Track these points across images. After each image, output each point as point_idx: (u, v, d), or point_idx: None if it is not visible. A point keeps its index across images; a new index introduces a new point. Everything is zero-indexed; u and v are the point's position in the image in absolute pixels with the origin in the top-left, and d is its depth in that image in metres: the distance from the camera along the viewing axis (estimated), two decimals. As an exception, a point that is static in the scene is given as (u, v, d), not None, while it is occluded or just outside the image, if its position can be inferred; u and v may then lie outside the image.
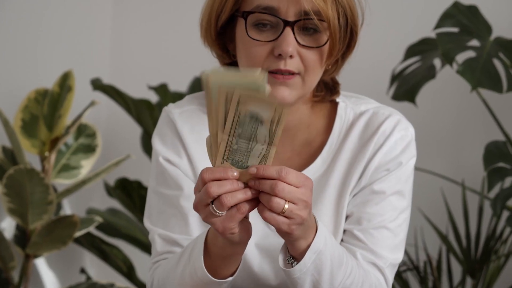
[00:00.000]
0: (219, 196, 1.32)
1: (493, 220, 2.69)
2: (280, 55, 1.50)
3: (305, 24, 1.51)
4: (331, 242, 1.45)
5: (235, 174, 1.33)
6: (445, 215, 2.87)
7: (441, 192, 2.90)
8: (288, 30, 1.50)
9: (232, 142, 1.32)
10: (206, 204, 1.34)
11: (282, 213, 1.33)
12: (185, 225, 1.60)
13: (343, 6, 1.53)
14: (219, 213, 1.34)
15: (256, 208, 1.35)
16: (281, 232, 1.37)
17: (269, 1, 1.51)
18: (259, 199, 1.34)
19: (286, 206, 1.33)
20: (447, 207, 2.75)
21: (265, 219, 1.34)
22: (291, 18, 1.50)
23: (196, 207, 1.35)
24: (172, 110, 1.65)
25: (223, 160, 1.33)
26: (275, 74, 1.52)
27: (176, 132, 1.63)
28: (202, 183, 1.33)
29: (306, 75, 1.53)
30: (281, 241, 1.45)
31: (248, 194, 1.33)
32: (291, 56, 1.51)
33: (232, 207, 1.34)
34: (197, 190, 1.35)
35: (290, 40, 1.50)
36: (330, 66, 1.57)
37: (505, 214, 2.75)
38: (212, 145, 1.33)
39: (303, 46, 1.51)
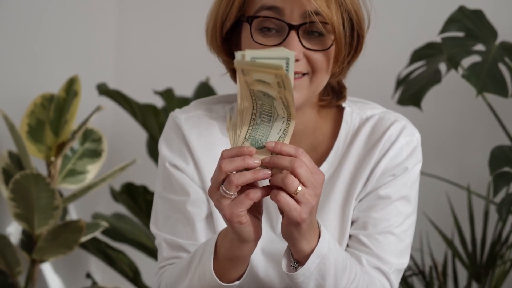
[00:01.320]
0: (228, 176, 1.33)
1: (498, 224, 2.69)
2: (284, 58, 1.51)
3: (310, 28, 1.51)
4: (335, 247, 1.45)
5: (251, 149, 1.34)
6: (451, 219, 2.87)
7: (446, 197, 2.89)
8: (293, 34, 1.50)
9: (255, 115, 1.34)
10: (219, 185, 1.35)
11: (294, 194, 1.33)
12: (191, 230, 1.60)
13: (348, 11, 1.53)
14: (228, 193, 1.34)
15: (269, 197, 1.35)
16: (291, 221, 1.37)
17: (274, 1, 1.51)
18: (269, 188, 1.35)
19: (299, 188, 1.33)
20: (452, 212, 2.75)
21: (278, 202, 1.34)
22: (296, 21, 1.50)
23: (210, 190, 1.36)
24: (178, 115, 1.65)
25: (244, 140, 1.35)
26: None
27: (182, 137, 1.63)
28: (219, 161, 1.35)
29: (313, 75, 1.53)
30: (286, 246, 1.45)
31: (258, 174, 1.34)
32: (297, 60, 1.51)
33: (241, 192, 1.34)
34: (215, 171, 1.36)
35: (295, 44, 1.50)
36: (337, 69, 1.57)
37: (511, 218, 2.75)
38: (237, 122, 1.35)
39: (309, 49, 1.51)
